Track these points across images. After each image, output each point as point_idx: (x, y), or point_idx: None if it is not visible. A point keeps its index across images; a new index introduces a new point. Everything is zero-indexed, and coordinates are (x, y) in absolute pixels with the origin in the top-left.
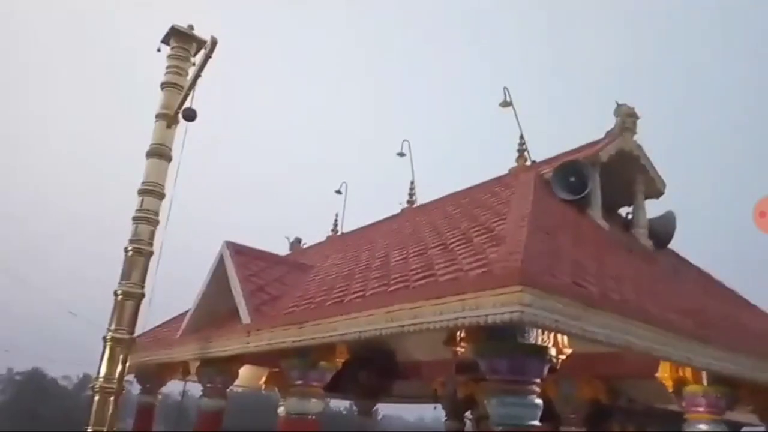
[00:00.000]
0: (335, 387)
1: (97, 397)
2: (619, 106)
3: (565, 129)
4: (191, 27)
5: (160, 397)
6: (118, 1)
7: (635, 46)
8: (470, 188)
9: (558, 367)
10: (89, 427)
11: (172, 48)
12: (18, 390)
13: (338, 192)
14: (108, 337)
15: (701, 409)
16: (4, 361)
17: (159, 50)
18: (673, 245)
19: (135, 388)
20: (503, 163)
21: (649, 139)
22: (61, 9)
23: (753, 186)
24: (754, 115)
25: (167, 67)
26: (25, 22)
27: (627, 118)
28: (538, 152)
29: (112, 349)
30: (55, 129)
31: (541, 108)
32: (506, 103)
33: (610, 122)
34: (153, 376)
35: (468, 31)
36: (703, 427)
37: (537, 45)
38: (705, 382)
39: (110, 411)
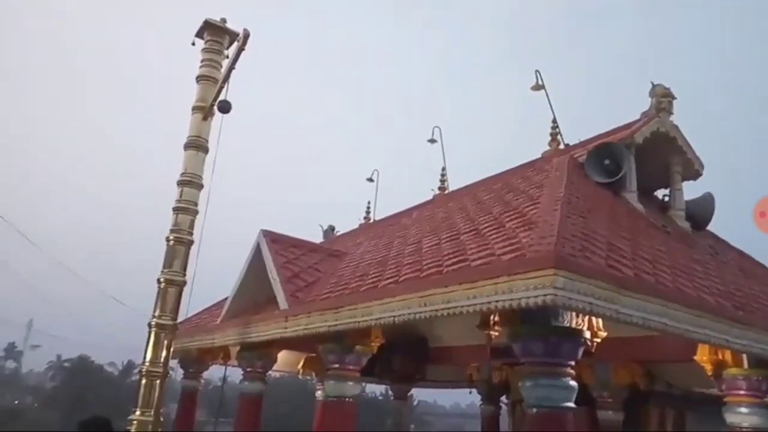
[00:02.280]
0: (371, 371)
1: (143, 381)
2: (654, 86)
3: (599, 111)
4: (224, 20)
5: (202, 381)
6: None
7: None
8: (503, 173)
9: (593, 350)
10: (137, 410)
11: (206, 42)
12: (67, 376)
13: (370, 180)
14: (153, 323)
15: (741, 392)
16: (54, 348)
17: (194, 44)
18: (713, 227)
19: (177, 375)
20: (536, 147)
21: (686, 118)
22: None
23: None
24: None
25: (201, 61)
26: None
27: (662, 99)
28: (571, 135)
29: (156, 335)
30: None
31: (573, 91)
32: (538, 87)
33: (645, 103)
34: (195, 361)
35: (498, 16)
36: (743, 410)
37: (567, 29)
38: (745, 365)
39: (156, 394)
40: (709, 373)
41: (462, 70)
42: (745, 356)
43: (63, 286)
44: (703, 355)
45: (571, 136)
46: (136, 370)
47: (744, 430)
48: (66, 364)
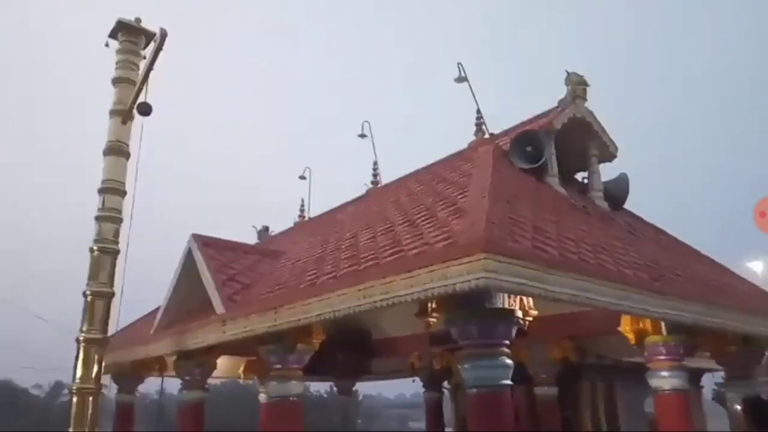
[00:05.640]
0: (314, 369)
1: (75, 399)
2: (569, 74)
3: (521, 100)
4: (138, 20)
5: (138, 395)
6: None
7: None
8: (432, 165)
9: (526, 328)
10: (70, 429)
11: (121, 42)
12: None
13: (302, 177)
14: (81, 338)
15: (662, 357)
16: None
17: (107, 45)
18: (629, 205)
19: (110, 392)
20: (463, 137)
21: (601, 102)
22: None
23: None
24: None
25: (117, 62)
26: None
27: (577, 86)
28: (496, 124)
29: (86, 350)
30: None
31: (497, 81)
32: (461, 79)
33: (562, 91)
34: (129, 375)
35: (421, 11)
36: (664, 374)
37: (488, 20)
38: (664, 331)
39: (90, 412)
40: (633, 342)
41: (389, 64)
42: (663, 324)
43: None
44: (626, 326)
45: (505, 123)
46: (65, 391)
47: (666, 392)
48: None
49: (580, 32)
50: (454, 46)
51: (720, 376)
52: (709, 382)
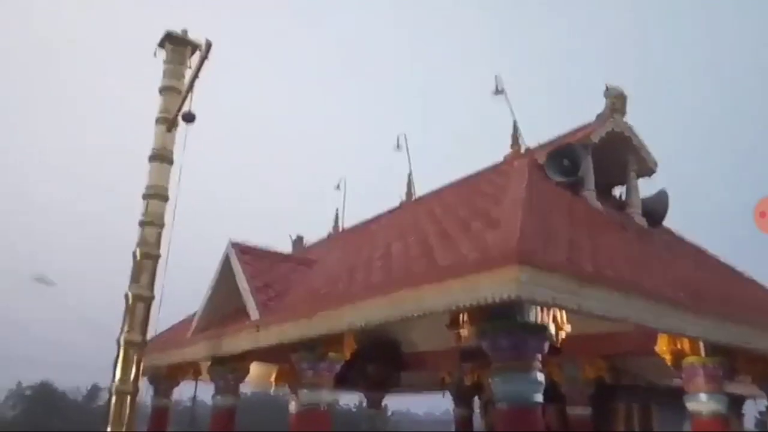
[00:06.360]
0: (345, 380)
1: (114, 399)
2: (608, 88)
3: (559, 113)
4: (185, 31)
5: (172, 400)
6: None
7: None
8: (467, 177)
9: (559, 344)
10: (108, 427)
11: (168, 53)
12: (28, 404)
13: (338, 188)
14: (121, 340)
15: (700, 379)
16: (13, 374)
17: (155, 55)
18: (669, 222)
19: (146, 397)
20: (498, 150)
21: (643, 117)
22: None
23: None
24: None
25: (164, 72)
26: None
27: (616, 100)
28: (533, 138)
29: (126, 352)
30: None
31: (534, 94)
32: (498, 91)
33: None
34: (165, 378)
35: (459, 22)
36: (703, 397)
37: (533, 30)
38: (702, 353)
39: (127, 412)
40: (669, 363)
41: (425, 81)
42: (701, 344)
43: (23, 304)
44: (663, 346)
45: (542, 135)
46: (102, 392)
47: (704, 416)
48: (27, 392)
49: (578, 33)
50: (500, 57)
51: (763, 404)
52: (751, 410)
